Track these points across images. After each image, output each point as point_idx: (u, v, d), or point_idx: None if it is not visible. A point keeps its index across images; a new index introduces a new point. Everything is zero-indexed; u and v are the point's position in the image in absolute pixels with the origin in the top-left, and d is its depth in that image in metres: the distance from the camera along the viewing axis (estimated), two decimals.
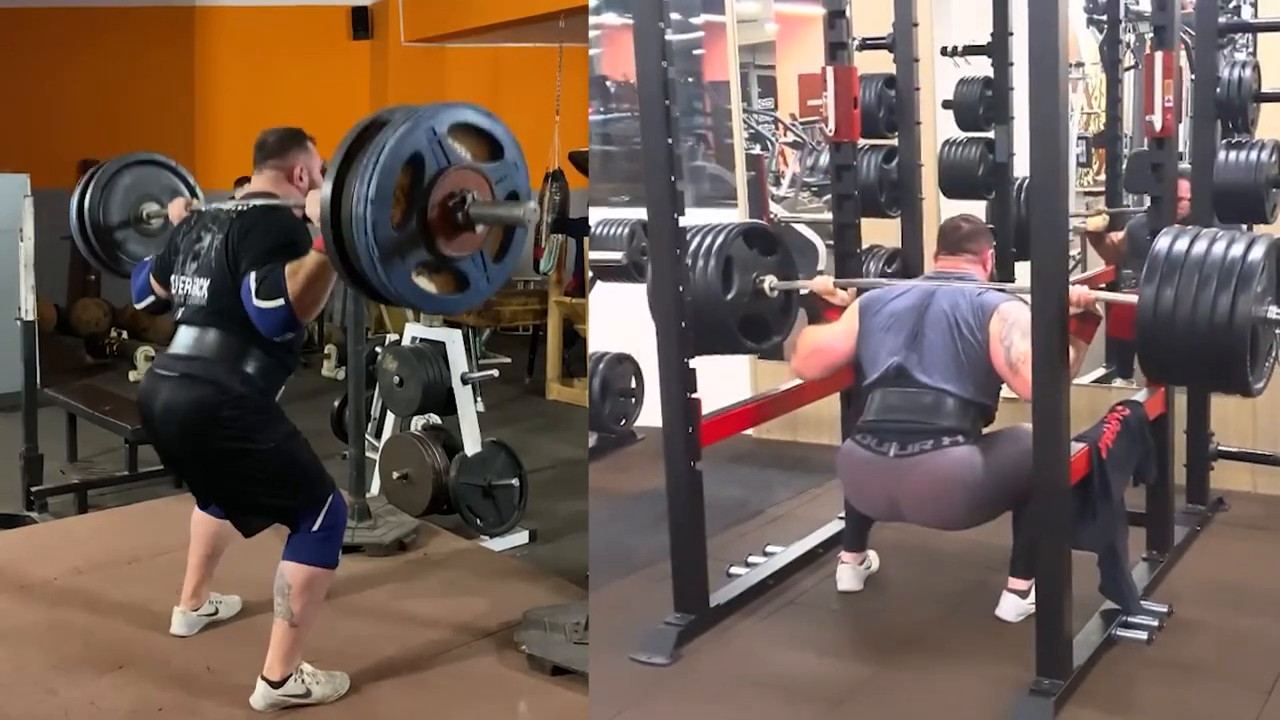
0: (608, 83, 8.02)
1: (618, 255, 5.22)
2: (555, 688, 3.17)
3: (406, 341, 5.10)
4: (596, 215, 5.51)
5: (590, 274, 5.46)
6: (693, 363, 3.25)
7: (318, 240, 2.58)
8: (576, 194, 8.41)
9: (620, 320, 4.94)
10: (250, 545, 3.14)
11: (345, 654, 3.29)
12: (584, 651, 3.23)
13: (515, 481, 4.82)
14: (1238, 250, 2.59)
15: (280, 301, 2.68)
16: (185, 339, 2.99)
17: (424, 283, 2.45)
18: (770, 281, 3.54)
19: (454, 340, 4.94)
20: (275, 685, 2.97)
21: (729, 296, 3.47)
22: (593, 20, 7.70)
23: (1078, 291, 2.88)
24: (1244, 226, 4.42)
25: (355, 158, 2.33)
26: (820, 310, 3.59)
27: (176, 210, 3.32)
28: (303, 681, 2.99)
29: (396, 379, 4.88)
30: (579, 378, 7.73)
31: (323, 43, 10.49)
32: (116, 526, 4.55)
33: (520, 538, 4.81)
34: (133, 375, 8.30)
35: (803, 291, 3.67)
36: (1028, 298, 2.84)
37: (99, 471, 5.54)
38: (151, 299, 3.29)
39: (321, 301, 2.73)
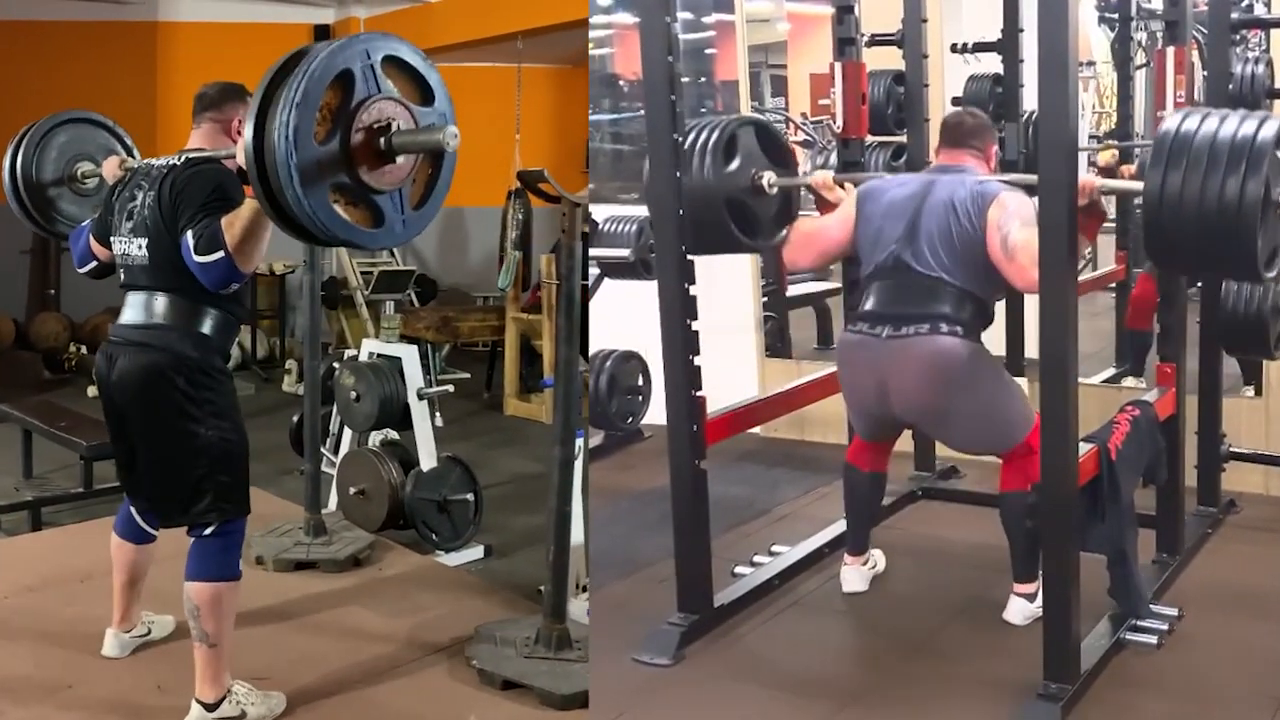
0: (620, 81, 8.02)
1: (625, 252, 5.20)
2: (505, 702, 3.13)
3: (364, 357, 5.09)
4: (603, 212, 5.50)
5: (597, 271, 5.43)
6: (698, 360, 3.22)
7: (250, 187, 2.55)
8: (539, 212, 8.45)
9: (628, 317, 4.92)
10: (179, 568, 3.00)
11: (295, 670, 3.24)
12: (535, 666, 3.20)
13: (470, 497, 4.79)
14: (1248, 130, 2.46)
15: (220, 254, 2.65)
16: (135, 306, 2.95)
17: (340, 210, 2.40)
18: (769, 178, 3.40)
19: (410, 356, 4.93)
20: (210, 707, 2.92)
21: (725, 189, 3.33)
22: (607, 19, 7.70)
23: (1083, 179, 2.78)
24: None
25: (281, 83, 2.29)
26: (820, 208, 3.48)
27: (110, 169, 3.21)
28: (237, 703, 2.94)
29: (353, 394, 4.86)
30: (536, 393, 7.82)
31: None
32: (70, 544, 4.44)
33: (475, 553, 4.77)
34: (91, 391, 8.19)
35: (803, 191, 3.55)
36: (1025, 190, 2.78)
37: (53, 488, 5.44)
38: (94, 264, 3.22)
39: (260, 250, 2.69)
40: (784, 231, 3.53)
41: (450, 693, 3.20)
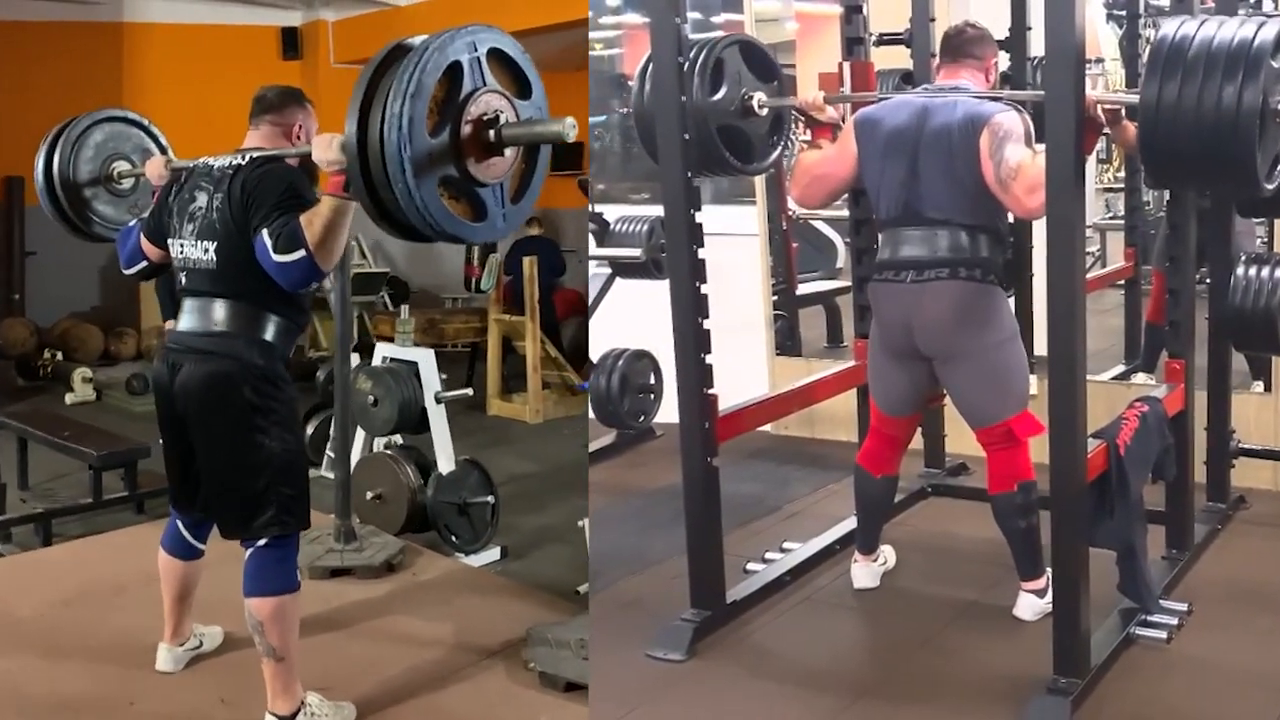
0: (629, 82, 8.02)
1: (636, 252, 5.22)
2: (570, 704, 3.10)
3: (377, 361, 5.06)
4: (615, 212, 5.53)
5: (609, 270, 5.46)
6: (710, 358, 3.24)
7: (332, 183, 2.52)
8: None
9: (639, 316, 4.94)
10: (228, 577, 2.95)
11: (357, 677, 3.20)
12: None
13: (489, 499, 4.79)
14: (1245, 34, 2.38)
15: (301, 253, 2.56)
16: (194, 312, 2.86)
17: (448, 204, 2.37)
18: (759, 99, 3.41)
19: (427, 360, 4.88)
20: None
21: (716, 115, 3.34)
22: (616, 20, 7.72)
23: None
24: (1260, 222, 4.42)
25: (383, 76, 2.27)
26: (810, 130, 3.44)
27: (155, 169, 3.13)
28: (311, 714, 2.88)
29: (371, 399, 4.82)
30: (518, 393, 7.84)
31: (253, 62, 10.26)
32: (92, 557, 4.32)
33: (492, 554, 4.77)
34: (69, 398, 8.00)
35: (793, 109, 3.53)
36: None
37: (57, 499, 5.24)
38: (144, 264, 3.13)
39: (340, 248, 2.60)
40: (775, 152, 3.54)
41: (515, 696, 3.15)
